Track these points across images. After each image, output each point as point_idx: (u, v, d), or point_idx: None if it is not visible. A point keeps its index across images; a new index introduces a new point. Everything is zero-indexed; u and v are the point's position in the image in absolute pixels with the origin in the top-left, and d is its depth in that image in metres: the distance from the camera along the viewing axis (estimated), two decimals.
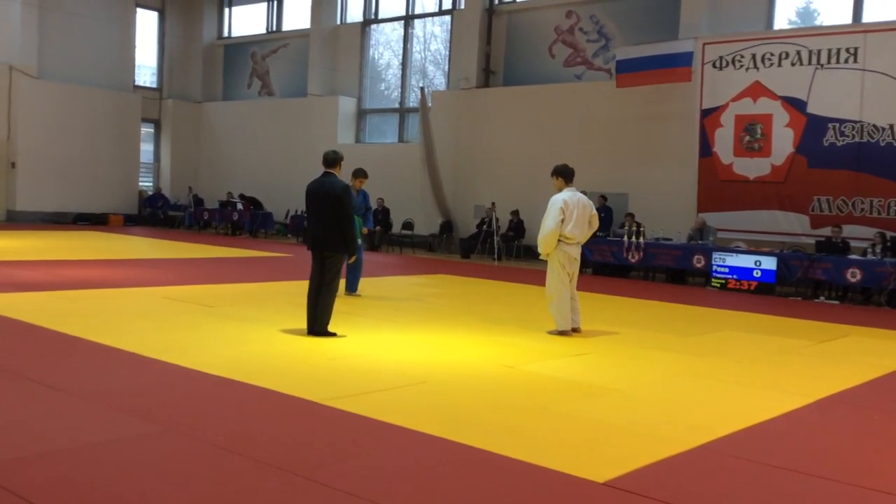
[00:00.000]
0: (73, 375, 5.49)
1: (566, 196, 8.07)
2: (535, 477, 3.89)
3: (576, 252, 8.22)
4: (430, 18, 21.81)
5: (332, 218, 7.30)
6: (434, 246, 19.79)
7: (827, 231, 13.97)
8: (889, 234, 13.44)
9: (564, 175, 8.21)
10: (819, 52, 14.46)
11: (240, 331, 7.40)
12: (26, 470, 3.64)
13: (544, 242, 8.05)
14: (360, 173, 10.33)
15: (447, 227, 19.75)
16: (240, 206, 22.20)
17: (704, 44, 15.74)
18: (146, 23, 25.66)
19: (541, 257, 8.29)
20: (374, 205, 19.73)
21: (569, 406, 5.32)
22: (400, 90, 22.33)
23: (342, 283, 9.17)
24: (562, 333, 8.05)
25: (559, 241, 8.07)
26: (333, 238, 7.32)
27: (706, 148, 15.76)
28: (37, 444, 4.01)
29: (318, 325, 7.30)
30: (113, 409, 4.69)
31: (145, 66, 26.21)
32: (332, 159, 7.55)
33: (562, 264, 8.11)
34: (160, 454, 3.96)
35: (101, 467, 3.73)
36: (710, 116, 15.71)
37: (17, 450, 3.90)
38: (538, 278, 14.21)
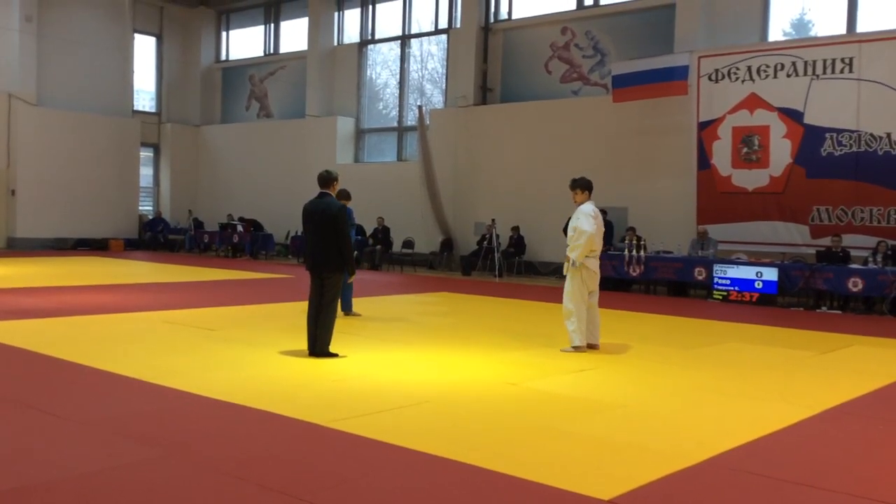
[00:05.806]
0: (74, 402, 5.47)
1: (593, 207, 8.19)
2: (540, 495, 3.86)
3: (596, 266, 8.24)
4: (426, 38, 21.91)
5: (329, 238, 7.30)
6: (435, 263, 19.78)
7: (827, 241, 13.96)
8: (889, 242, 13.43)
9: (589, 188, 8.30)
10: (814, 62, 14.51)
11: (241, 354, 7.38)
12: (29, 499, 3.62)
13: (585, 246, 7.98)
14: (343, 195, 10.27)
15: (447, 244, 19.75)
16: (240, 228, 22.22)
17: (700, 57, 15.80)
18: (144, 48, 25.80)
19: (565, 270, 8.19)
20: (375, 223, 19.83)
21: (574, 423, 5.30)
22: (398, 109, 22.41)
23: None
24: (577, 349, 8.03)
25: None
26: (332, 258, 7.32)
27: (704, 160, 15.78)
28: (39, 472, 3.99)
29: (318, 345, 7.28)
30: (115, 434, 4.67)
31: (144, 91, 26.32)
32: (326, 179, 7.55)
33: (583, 279, 8.10)
34: (163, 480, 3.93)
35: (103, 495, 3.70)
36: (707, 129, 15.74)
37: (18, 479, 3.88)
38: (540, 294, 14.27)
